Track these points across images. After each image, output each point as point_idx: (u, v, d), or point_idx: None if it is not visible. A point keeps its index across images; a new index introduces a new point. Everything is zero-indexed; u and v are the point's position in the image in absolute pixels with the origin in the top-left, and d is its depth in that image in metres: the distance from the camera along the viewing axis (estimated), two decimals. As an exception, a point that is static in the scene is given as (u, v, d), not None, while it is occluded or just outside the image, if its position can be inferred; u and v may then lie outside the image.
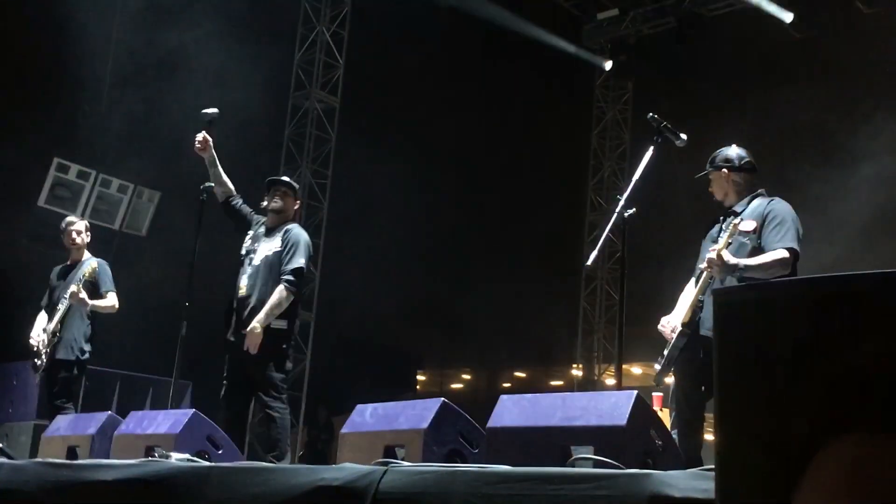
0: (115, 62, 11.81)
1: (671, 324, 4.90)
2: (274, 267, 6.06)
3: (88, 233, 7.44)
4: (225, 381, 6.12)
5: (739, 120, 13.46)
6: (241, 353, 5.93)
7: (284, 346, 6.09)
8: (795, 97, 12.81)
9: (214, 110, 6.29)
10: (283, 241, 6.13)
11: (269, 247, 6.14)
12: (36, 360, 7.04)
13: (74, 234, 7.29)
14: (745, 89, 14.44)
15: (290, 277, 6.01)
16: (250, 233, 6.29)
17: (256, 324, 5.87)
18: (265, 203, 6.30)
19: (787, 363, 1.62)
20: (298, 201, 6.45)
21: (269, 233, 6.22)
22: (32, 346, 7.06)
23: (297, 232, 6.23)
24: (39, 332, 7.09)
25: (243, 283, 6.08)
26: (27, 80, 11.49)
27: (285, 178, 6.41)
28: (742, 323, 1.72)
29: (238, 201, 6.44)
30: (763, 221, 4.86)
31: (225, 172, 6.56)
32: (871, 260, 9.78)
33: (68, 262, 7.35)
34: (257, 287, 6.03)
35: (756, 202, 5.01)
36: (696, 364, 4.65)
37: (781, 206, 4.93)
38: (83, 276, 6.97)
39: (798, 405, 1.60)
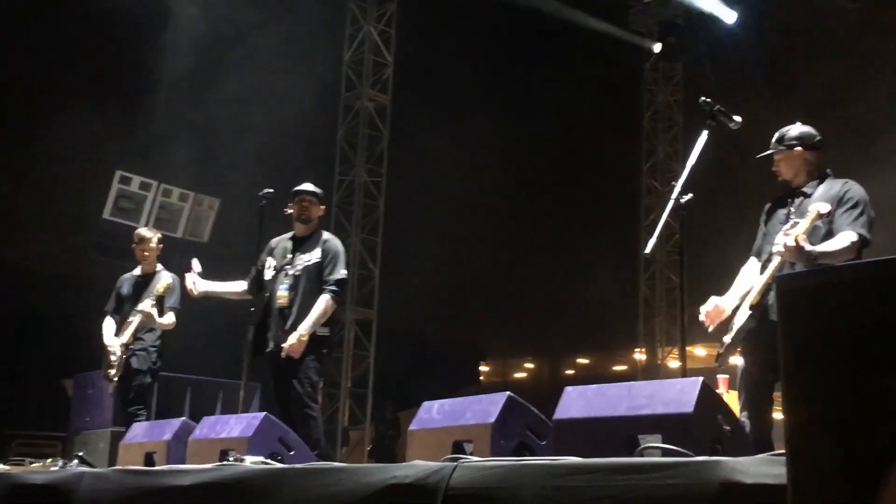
0: (170, 74, 12.00)
1: (724, 304, 4.80)
2: (314, 277, 6.18)
3: (160, 245, 7.59)
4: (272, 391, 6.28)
5: (789, 95, 13.28)
6: (280, 360, 6.05)
7: (325, 350, 6.23)
8: (846, 71, 12.59)
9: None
10: (322, 252, 6.24)
11: (307, 258, 6.24)
12: (109, 370, 7.21)
13: (147, 250, 7.44)
14: (796, 64, 14.21)
15: (335, 288, 6.16)
16: (274, 252, 6.37)
17: (303, 331, 5.99)
18: (290, 212, 6.38)
19: (853, 348, 1.62)
20: (323, 206, 6.52)
21: (301, 244, 6.31)
22: (111, 353, 7.22)
23: (335, 242, 6.36)
24: (112, 342, 7.26)
25: (282, 293, 6.17)
26: (87, 95, 11.74)
27: (309, 188, 6.42)
28: (806, 309, 1.73)
29: (252, 283, 6.48)
30: (838, 203, 4.73)
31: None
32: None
33: (139, 274, 7.49)
34: (299, 296, 6.15)
35: (827, 183, 4.84)
36: (764, 347, 4.58)
37: (857, 189, 4.76)
38: (157, 291, 7.12)
39: (870, 392, 1.59)
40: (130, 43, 12.06)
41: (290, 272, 6.22)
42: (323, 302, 6.09)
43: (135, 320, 7.14)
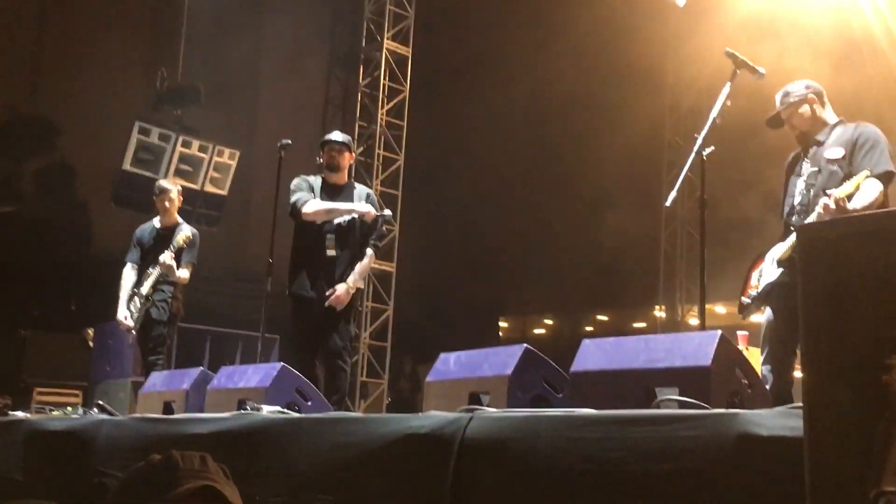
0: (190, 25, 11.94)
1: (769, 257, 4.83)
2: (358, 229, 6.25)
3: (181, 196, 7.60)
4: (297, 338, 6.28)
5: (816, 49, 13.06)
6: (321, 310, 6.05)
7: (358, 303, 6.31)
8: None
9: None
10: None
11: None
12: (129, 320, 7.25)
13: (167, 202, 7.44)
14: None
15: (379, 242, 6.41)
16: (316, 194, 6.33)
17: (352, 283, 6.09)
18: (322, 161, 6.37)
19: (873, 299, 1.59)
20: (352, 154, 6.54)
21: (338, 192, 6.30)
22: (130, 304, 7.26)
23: (375, 198, 6.52)
24: (131, 292, 7.29)
25: (330, 242, 6.19)
26: (104, 48, 11.71)
27: (338, 137, 6.41)
28: (827, 260, 1.70)
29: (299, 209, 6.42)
30: (853, 147, 4.74)
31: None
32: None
33: (160, 226, 7.49)
34: (348, 247, 6.20)
35: (839, 129, 4.89)
36: (792, 302, 4.56)
37: (871, 129, 4.82)
38: (177, 243, 7.13)
39: (889, 344, 1.57)
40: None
41: (337, 221, 6.23)
42: (368, 257, 6.27)
43: (154, 272, 7.17)
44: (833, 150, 4.77)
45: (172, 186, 7.64)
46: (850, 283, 1.68)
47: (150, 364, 7.12)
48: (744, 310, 4.83)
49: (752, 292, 4.78)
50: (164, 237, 7.35)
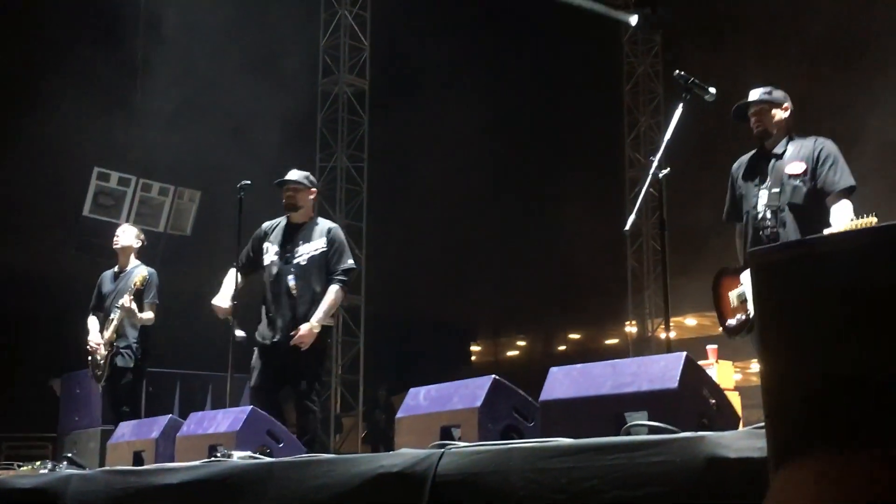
0: (145, 69, 11.91)
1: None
2: (322, 267, 6.16)
3: (139, 240, 7.50)
4: (256, 381, 6.17)
5: (768, 61, 13.27)
6: (286, 350, 6.02)
7: (329, 340, 6.23)
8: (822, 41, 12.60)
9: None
10: (328, 241, 6.20)
11: (312, 247, 6.20)
12: (96, 370, 7.17)
13: (118, 244, 7.38)
14: (773, 31, 14.20)
15: (344, 277, 6.18)
16: (270, 238, 6.30)
17: (315, 322, 5.98)
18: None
19: (826, 320, 1.61)
20: (314, 190, 6.47)
21: (298, 231, 6.27)
22: (93, 352, 7.18)
23: (338, 231, 6.36)
24: (97, 340, 7.21)
25: (292, 283, 6.13)
26: (61, 94, 11.64)
27: (292, 176, 6.34)
28: (780, 282, 1.71)
29: (246, 270, 6.39)
30: (815, 161, 4.84)
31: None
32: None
33: (117, 269, 7.44)
34: (309, 286, 6.12)
35: (796, 142, 4.98)
36: None
37: (830, 143, 4.92)
38: (133, 284, 7.06)
39: (842, 363, 1.58)
40: (106, 39, 11.96)
41: (296, 261, 6.17)
42: (333, 293, 6.11)
43: (116, 317, 7.08)
44: (794, 165, 4.85)
45: (125, 225, 7.57)
46: (803, 304, 1.70)
47: (120, 414, 7.02)
48: (733, 332, 4.82)
49: (740, 315, 4.77)
50: (122, 280, 7.29)
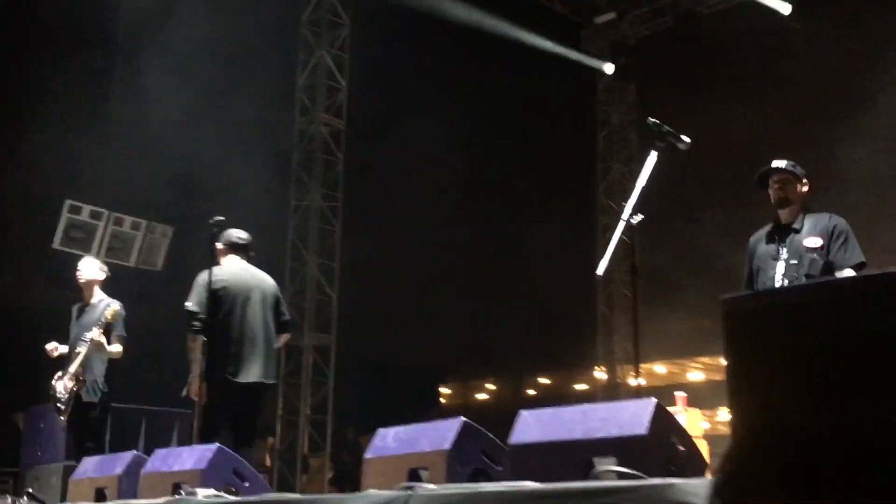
0: (120, 101, 11.90)
1: None
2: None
3: (102, 272, 7.45)
4: (217, 422, 6.15)
5: (744, 112, 13.47)
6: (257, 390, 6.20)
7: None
8: (798, 86, 12.81)
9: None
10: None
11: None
12: (59, 404, 7.07)
13: (80, 278, 7.33)
14: (749, 81, 14.42)
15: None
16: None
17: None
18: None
19: (795, 371, 1.62)
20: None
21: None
22: (56, 390, 7.10)
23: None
24: (60, 375, 7.13)
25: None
26: (36, 124, 11.60)
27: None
28: (751, 331, 1.72)
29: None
30: (830, 237, 5.08)
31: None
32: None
33: (83, 303, 7.38)
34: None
35: (812, 218, 5.21)
36: None
37: (843, 222, 5.15)
38: (104, 319, 7.00)
39: (814, 415, 1.59)
40: (81, 70, 11.94)
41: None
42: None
43: (83, 350, 7.00)
44: (812, 240, 5.09)
45: (86, 262, 7.50)
46: (772, 354, 1.71)
47: (84, 449, 6.91)
48: None
49: None
50: (87, 314, 7.22)
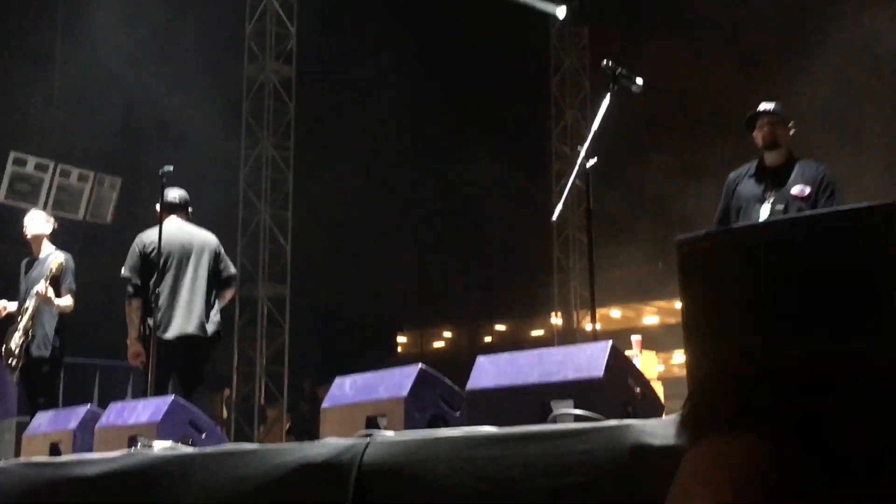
0: (64, 49, 11.61)
1: None
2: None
3: (49, 224, 7.29)
4: (161, 380, 6.27)
5: (695, 54, 13.50)
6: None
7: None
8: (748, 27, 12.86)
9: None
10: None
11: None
12: (10, 359, 6.96)
13: (26, 232, 7.19)
14: (700, 23, 14.42)
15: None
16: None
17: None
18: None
19: (747, 308, 1.63)
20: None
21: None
22: (5, 341, 6.99)
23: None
24: (11, 331, 7.02)
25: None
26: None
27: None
28: (705, 270, 1.73)
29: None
30: (818, 188, 5.02)
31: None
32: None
33: (31, 257, 7.25)
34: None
35: (801, 164, 5.16)
36: None
37: (831, 174, 5.12)
38: (49, 270, 6.87)
39: (762, 351, 1.60)
40: (25, 16, 11.62)
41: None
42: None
43: (31, 304, 6.88)
44: (799, 188, 5.01)
45: (32, 216, 7.34)
46: (726, 292, 1.71)
47: (37, 405, 6.82)
48: None
49: None
50: (35, 268, 7.10)
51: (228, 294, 6.70)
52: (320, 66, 14.67)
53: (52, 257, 7.02)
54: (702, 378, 1.69)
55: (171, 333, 6.28)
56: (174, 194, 6.52)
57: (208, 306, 6.48)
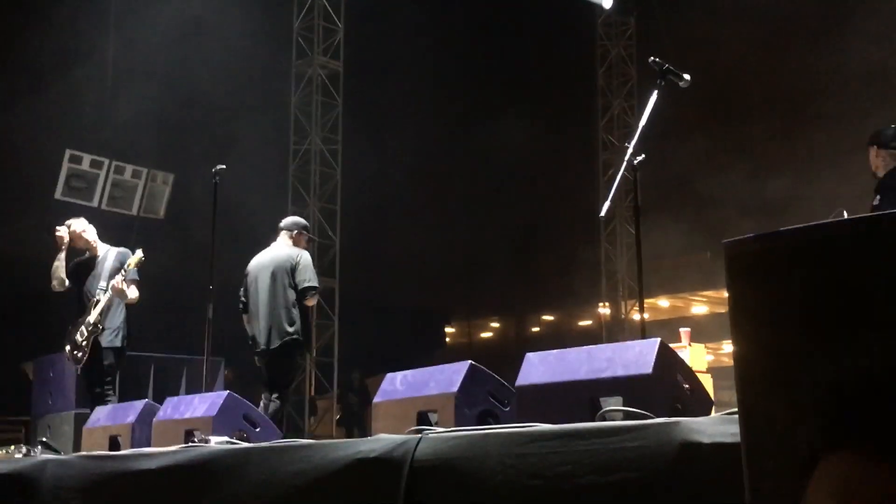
0: (117, 48, 11.80)
1: None
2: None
3: (84, 225, 7.41)
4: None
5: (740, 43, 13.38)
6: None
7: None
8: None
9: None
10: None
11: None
12: (76, 352, 7.08)
13: (79, 232, 7.29)
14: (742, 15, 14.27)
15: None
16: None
17: None
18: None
19: (800, 313, 1.63)
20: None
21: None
22: (74, 339, 7.12)
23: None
24: (75, 323, 7.16)
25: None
26: (33, 75, 11.51)
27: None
28: (754, 274, 1.73)
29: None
30: None
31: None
32: None
33: (86, 256, 7.37)
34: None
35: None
36: None
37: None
38: (129, 264, 6.98)
39: (816, 357, 1.60)
40: (78, 17, 11.82)
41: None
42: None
43: (103, 298, 7.02)
44: None
45: (82, 224, 7.43)
46: (777, 296, 1.71)
47: (98, 396, 6.96)
48: None
49: None
50: (93, 264, 7.24)
51: (309, 302, 7.18)
52: (368, 60, 14.74)
53: (120, 254, 7.17)
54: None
55: (257, 347, 7.05)
56: (284, 220, 7.36)
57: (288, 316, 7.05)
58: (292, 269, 6.97)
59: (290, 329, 6.92)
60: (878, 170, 5.16)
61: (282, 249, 7.11)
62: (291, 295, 6.95)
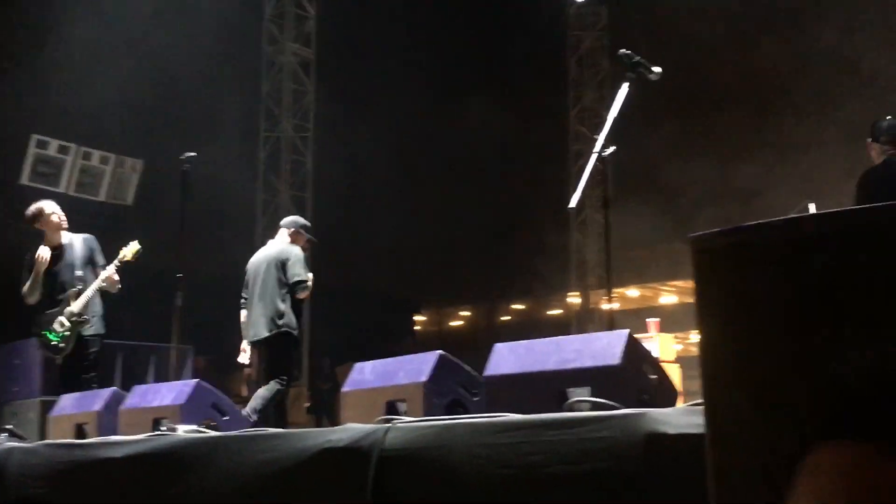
0: (85, 32, 11.65)
1: None
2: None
3: (51, 215, 7.27)
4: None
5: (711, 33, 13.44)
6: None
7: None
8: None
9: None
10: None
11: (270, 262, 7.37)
12: (60, 343, 6.98)
13: (49, 215, 7.14)
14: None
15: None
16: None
17: None
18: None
19: (767, 309, 1.64)
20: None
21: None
22: (55, 329, 7.02)
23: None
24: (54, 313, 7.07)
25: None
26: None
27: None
28: (721, 268, 1.74)
29: None
30: None
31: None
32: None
33: (50, 244, 7.23)
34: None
35: None
36: None
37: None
38: (123, 256, 6.91)
39: (783, 353, 1.62)
40: (38, 2, 11.67)
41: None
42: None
43: (91, 287, 6.93)
44: None
45: (54, 206, 7.30)
46: (744, 291, 1.72)
47: (85, 382, 6.87)
48: None
49: None
50: (64, 254, 7.13)
51: (301, 295, 7.40)
52: (340, 48, 14.67)
53: (87, 240, 7.10)
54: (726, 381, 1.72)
55: (252, 338, 7.37)
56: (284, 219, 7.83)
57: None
58: (283, 264, 7.25)
59: (280, 322, 7.17)
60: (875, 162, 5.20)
61: (274, 245, 7.46)
62: (282, 289, 7.21)
